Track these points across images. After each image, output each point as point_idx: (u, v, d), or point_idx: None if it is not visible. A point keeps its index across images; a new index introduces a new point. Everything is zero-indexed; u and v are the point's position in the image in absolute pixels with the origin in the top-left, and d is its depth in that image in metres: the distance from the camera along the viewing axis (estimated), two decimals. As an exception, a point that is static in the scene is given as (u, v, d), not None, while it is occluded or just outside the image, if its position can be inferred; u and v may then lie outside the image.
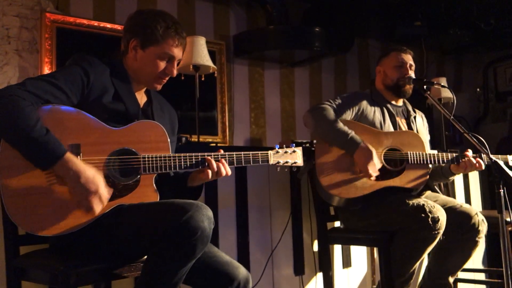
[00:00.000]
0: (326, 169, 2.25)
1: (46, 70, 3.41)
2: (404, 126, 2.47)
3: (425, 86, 2.33)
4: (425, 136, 2.55)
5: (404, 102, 2.56)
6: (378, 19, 4.89)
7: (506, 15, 4.64)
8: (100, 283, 1.89)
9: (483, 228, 2.31)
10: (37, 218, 1.44)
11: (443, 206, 2.32)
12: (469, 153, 2.33)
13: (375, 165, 2.20)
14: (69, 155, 1.44)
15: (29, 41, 3.48)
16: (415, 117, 2.53)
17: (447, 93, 4.10)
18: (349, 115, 2.35)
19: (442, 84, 2.42)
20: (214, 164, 1.64)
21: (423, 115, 2.66)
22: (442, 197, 2.50)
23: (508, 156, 2.54)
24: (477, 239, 2.30)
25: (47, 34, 3.47)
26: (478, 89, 6.01)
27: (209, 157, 1.64)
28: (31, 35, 3.49)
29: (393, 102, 2.50)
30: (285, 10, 4.42)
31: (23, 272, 1.62)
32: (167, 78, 1.73)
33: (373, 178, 2.22)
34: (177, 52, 1.70)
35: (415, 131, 2.47)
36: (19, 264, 1.63)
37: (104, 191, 1.47)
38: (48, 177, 1.46)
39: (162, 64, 1.69)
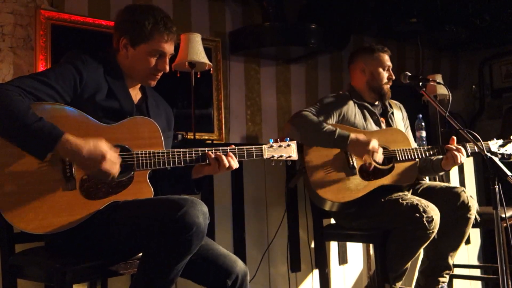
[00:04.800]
0: (318, 175, 2.23)
1: (41, 68, 3.39)
2: (384, 124, 2.48)
3: (420, 83, 2.33)
4: (406, 128, 2.57)
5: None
6: (374, 16, 4.88)
7: (501, 11, 4.64)
8: (96, 280, 1.89)
9: (473, 203, 2.33)
10: (30, 217, 1.44)
11: (428, 189, 2.33)
12: (454, 141, 2.34)
13: (375, 145, 2.18)
14: (67, 135, 1.42)
15: (24, 38, 3.46)
16: (392, 113, 2.54)
17: (442, 90, 4.11)
18: (330, 120, 2.34)
19: (437, 81, 2.42)
20: (225, 159, 1.65)
21: (401, 106, 2.66)
22: (427, 182, 2.52)
23: (489, 141, 2.52)
24: (468, 215, 2.31)
25: (41, 31, 3.44)
26: (473, 86, 6.02)
27: (218, 153, 1.65)
28: (25, 32, 3.46)
29: (371, 101, 2.50)
30: (281, 7, 4.41)
31: (18, 269, 1.62)
32: (160, 74, 1.73)
33: (380, 159, 2.20)
34: (167, 47, 1.69)
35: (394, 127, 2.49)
36: (14, 262, 1.63)
37: (112, 155, 1.46)
38: (42, 176, 1.46)
39: (153, 61, 1.68)
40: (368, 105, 2.47)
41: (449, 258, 2.38)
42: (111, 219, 1.52)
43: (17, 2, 3.43)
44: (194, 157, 1.65)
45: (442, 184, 2.46)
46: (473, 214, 2.32)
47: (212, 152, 1.66)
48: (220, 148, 1.68)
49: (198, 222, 1.41)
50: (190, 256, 1.46)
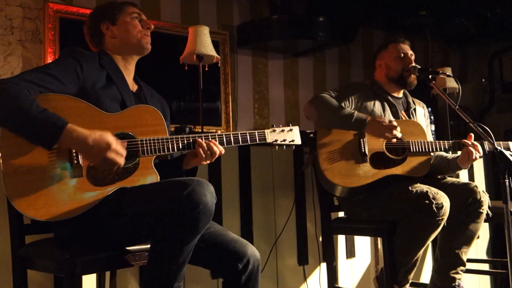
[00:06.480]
0: (328, 159, 2.25)
1: (49, 60, 3.40)
2: (404, 117, 2.47)
3: (430, 76, 2.31)
4: (426, 127, 2.55)
5: (404, 94, 2.55)
6: (382, 9, 4.85)
7: (512, 4, 4.58)
8: (105, 271, 1.90)
9: (485, 198, 2.31)
10: (39, 204, 1.45)
11: (440, 184, 2.33)
12: (471, 137, 2.33)
13: (393, 122, 2.18)
14: (71, 125, 1.45)
15: (32, 31, 3.47)
16: (415, 109, 2.53)
17: (452, 83, 4.07)
18: (348, 105, 2.35)
19: (447, 73, 2.40)
20: (205, 145, 1.66)
21: (425, 105, 2.65)
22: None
23: (509, 142, 2.54)
24: (481, 210, 2.29)
25: (50, 24, 3.46)
26: (483, 80, 5.96)
27: (199, 139, 1.66)
28: (34, 25, 3.48)
29: (394, 94, 2.49)
30: (288, 0, 4.39)
31: (28, 261, 1.64)
32: (149, 33, 1.81)
33: (399, 135, 2.21)
34: (138, 11, 1.82)
35: None
36: (24, 253, 1.64)
37: (118, 145, 1.48)
38: (50, 164, 1.47)
39: (137, 23, 1.79)
40: (389, 97, 2.46)
41: (462, 254, 2.35)
42: (119, 205, 1.53)
43: (25, -5, 3.45)
44: (192, 142, 1.67)
45: (454, 179, 2.43)
46: (485, 210, 2.30)
47: (202, 139, 1.67)
48: (203, 134, 1.70)
49: (205, 200, 1.42)
50: (198, 237, 1.46)
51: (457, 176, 3.21)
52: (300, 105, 4.78)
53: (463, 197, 2.29)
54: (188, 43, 3.14)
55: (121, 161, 1.48)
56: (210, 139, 1.68)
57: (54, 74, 1.54)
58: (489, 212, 2.34)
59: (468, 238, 2.34)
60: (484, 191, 2.33)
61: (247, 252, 1.63)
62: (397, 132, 2.20)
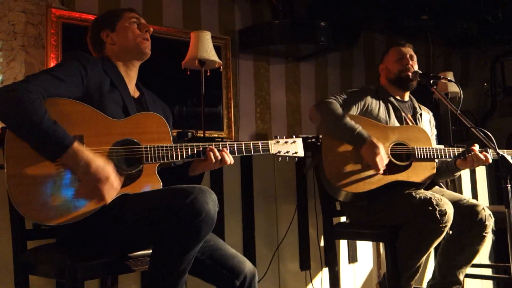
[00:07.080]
0: (333, 164, 2.24)
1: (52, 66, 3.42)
2: (410, 121, 2.47)
3: (431, 81, 2.32)
4: (431, 135, 2.55)
5: (410, 98, 2.56)
6: (384, 13, 4.86)
7: (514, 8, 4.58)
8: (107, 277, 1.90)
9: (490, 222, 2.30)
10: (42, 208, 1.46)
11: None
12: (476, 147, 2.33)
13: (383, 159, 2.19)
14: (77, 145, 1.46)
15: (35, 36, 3.49)
16: (421, 114, 2.53)
17: (454, 88, 4.07)
18: (354, 110, 2.36)
19: (448, 78, 2.40)
20: (217, 152, 1.67)
21: (430, 111, 2.65)
22: (448, 192, 2.49)
23: None
24: (484, 234, 2.29)
25: (53, 29, 3.47)
26: (485, 84, 5.96)
27: (211, 146, 1.67)
28: (37, 31, 3.50)
29: (398, 97, 2.50)
30: (290, 4, 4.40)
31: (30, 266, 1.64)
32: (148, 36, 1.82)
33: (381, 172, 2.21)
34: (137, 15, 1.83)
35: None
36: (26, 259, 1.64)
37: (116, 179, 1.48)
38: (54, 167, 1.48)
39: (135, 27, 1.80)
40: (394, 101, 2.46)
41: (460, 274, 2.36)
42: (121, 211, 1.53)
43: (28, 1, 3.46)
44: (202, 151, 1.68)
45: (462, 197, 2.41)
46: (489, 233, 2.29)
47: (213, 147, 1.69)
48: (213, 143, 1.71)
49: (208, 208, 1.41)
50: (200, 245, 1.46)
51: (459, 178, 3.21)
52: (302, 110, 4.78)
53: (469, 218, 2.28)
54: (190, 48, 3.15)
55: (110, 197, 1.47)
56: (221, 148, 1.69)
57: (61, 77, 1.55)
58: (492, 236, 2.34)
59: (468, 259, 2.35)
60: (491, 214, 2.31)
61: (244, 269, 1.64)
62: (380, 171, 2.19)
